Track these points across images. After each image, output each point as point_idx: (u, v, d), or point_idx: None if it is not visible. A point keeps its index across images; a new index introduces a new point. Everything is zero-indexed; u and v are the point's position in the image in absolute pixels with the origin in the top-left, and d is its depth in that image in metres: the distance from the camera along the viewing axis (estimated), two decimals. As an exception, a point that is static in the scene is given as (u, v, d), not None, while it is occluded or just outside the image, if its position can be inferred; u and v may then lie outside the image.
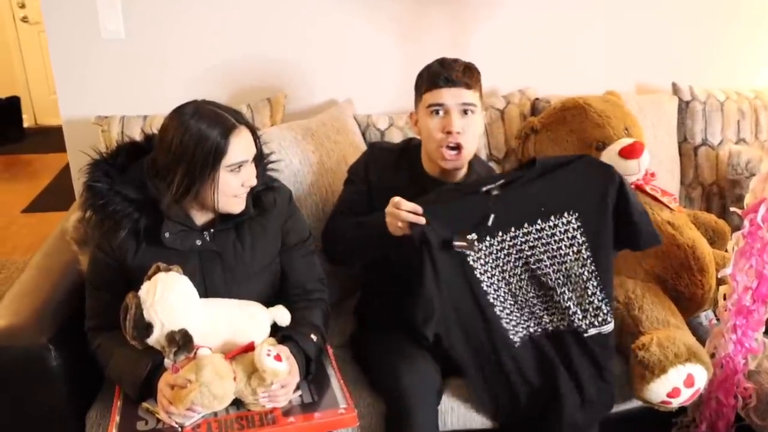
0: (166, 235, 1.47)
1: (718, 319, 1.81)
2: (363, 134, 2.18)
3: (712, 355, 1.76)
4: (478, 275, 1.63)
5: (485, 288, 1.64)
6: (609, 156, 1.97)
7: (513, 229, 1.64)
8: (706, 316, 1.98)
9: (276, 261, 1.63)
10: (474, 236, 1.60)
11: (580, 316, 1.67)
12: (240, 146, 1.44)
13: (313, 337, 1.53)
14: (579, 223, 1.65)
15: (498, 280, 1.66)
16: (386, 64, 2.34)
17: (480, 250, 1.62)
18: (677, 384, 1.63)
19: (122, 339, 1.45)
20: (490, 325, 1.64)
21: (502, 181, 1.63)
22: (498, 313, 1.65)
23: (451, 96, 1.66)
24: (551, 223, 1.66)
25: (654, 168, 2.11)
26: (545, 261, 1.66)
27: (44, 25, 2.11)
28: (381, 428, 1.62)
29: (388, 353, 1.67)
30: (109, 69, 2.17)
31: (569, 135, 2.08)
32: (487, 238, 1.62)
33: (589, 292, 1.67)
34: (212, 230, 1.54)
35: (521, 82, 2.41)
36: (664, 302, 1.84)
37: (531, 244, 1.66)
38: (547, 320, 1.69)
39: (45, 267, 1.80)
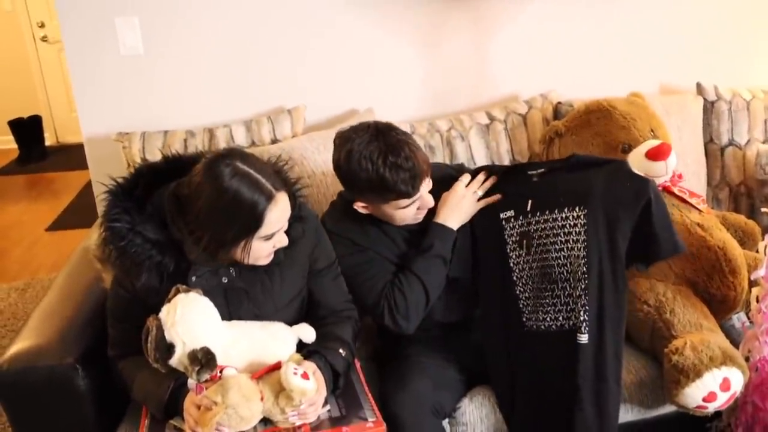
0: (193, 279, 1.45)
1: (751, 322, 1.78)
2: (384, 143, 2.17)
3: (747, 359, 1.72)
4: (509, 251, 1.70)
5: (512, 265, 1.70)
6: (636, 158, 1.95)
7: (537, 214, 1.69)
8: (738, 319, 1.94)
9: (304, 288, 1.61)
10: (512, 213, 1.72)
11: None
12: (276, 216, 1.39)
13: (342, 351, 1.51)
14: (585, 220, 1.64)
15: (523, 261, 1.70)
16: (406, 72, 2.33)
17: (514, 228, 1.72)
18: (713, 388, 1.60)
19: (144, 362, 1.43)
20: (507, 305, 1.69)
21: (542, 169, 1.73)
22: (518, 293, 1.69)
23: (422, 191, 1.63)
24: (563, 215, 1.66)
25: (680, 170, 2.09)
26: (552, 252, 1.67)
27: (63, 43, 2.12)
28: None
29: (389, 374, 1.69)
30: (128, 85, 2.18)
31: (594, 138, 2.05)
32: (520, 218, 1.70)
33: (576, 294, 1.64)
34: (238, 266, 1.49)
35: (543, 86, 2.39)
36: (696, 305, 1.81)
37: (545, 232, 1.68)
38: (553, 316, 1.67)
39: (69, 287, 1.81)
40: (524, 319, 1.69)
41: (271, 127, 2.13)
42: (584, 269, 1.63)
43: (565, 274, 1.65)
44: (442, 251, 1.68)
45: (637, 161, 1.95)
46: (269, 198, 1.36)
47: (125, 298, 1.48)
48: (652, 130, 2.03)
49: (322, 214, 1.77)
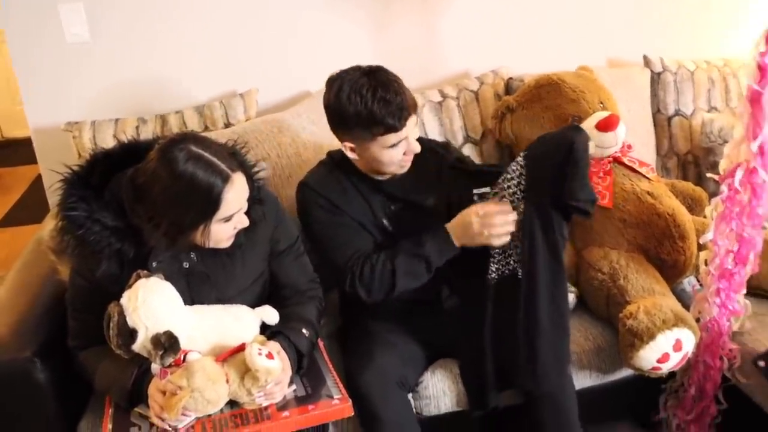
0: (153, 264, 1.43)
1: (701, 285, 1.84)
2: (338, 123, 2.17)
3: (697, 320, 1.78)
4: None
5: None
6: (586, 129, 1.95)
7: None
8: (688, 283, 2.00)
9: (266, 271, 1.60)
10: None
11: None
12: (233, 197, 1.38)
13: (305, 331, 1.52)
14: (523, 162, 1.64)
15: None
16: (358, 53, 2.29)
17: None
18: (666, 349, 1.66)
19: (106, 351, 1.42)
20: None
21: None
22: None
23: (409, 127, 1.63)
24: (511, 168, 1.66)
25: (629, 140, 2.13)
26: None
27: (5, 33, 2.06)
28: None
29: (353, 350, 1.70)
30: (75, 73, 2.13)
31: (545, 111, 2.10)
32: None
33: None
34: (199, 250, 1.48)
35: (494, 63, 2.42)
36: (648, 271, 1.86)
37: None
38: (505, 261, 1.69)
39: (22, 280, 1.77)
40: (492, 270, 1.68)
41: (224, 112, 2.11)
42: (521, 209, 1.63)
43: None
44: (431, 255, 1.65)
45: (587, 133, 1.99)
46: (225, 179, 1.35)
47: (85, 288, 1.46)
48: (601, 102, 2.08)
49: (304, 177, 1.79)
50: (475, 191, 1.69)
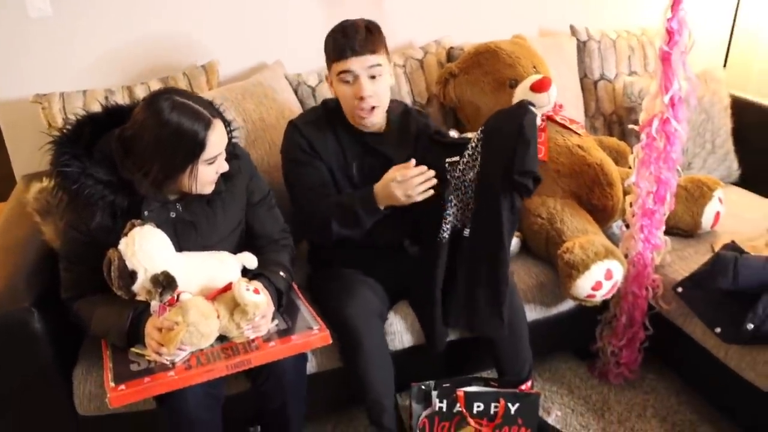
0: (146, 213, 1.55)
1: (627, 226, 2.07)
2: (295, 91, 2.32)
3: (625, 256, 2.02)
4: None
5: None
6: (522, 91, 2.20)
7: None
8: (617, 226, 2.23)
9: (243, 221, 1.75)
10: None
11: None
12: (216, 140, 1.51)
13: (282, 274, 1.67)
14: (480, 135, 1.78)
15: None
16: (311, 25, 2.45)
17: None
18: (599, 278, 1.88)
19: (99, 300, 1.56)
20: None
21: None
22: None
23: (358, 64, 1.79)
24: (471, 144, 1.80)
25: (560, 103, 2.35)
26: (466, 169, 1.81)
27: (-32, 9, 2.11)
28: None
29: (333, 289, 1.85)
30: (39, 48, 2.18)
31: (485, 76, 2.29)
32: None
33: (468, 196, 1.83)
34: (184, 202, 1.62)
35: (436, 33, 2.60)
36: (582, 214, 2.09)
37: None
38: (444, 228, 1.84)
39: (5, 243, 1.85)
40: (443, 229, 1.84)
41: (188, 82, 2.22)
42: (472, 178, 1.80)
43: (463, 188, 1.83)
44: (359, 213, 1.79)
45: (522, 93, 2.20)
46: (208, 124, 1.49)
47: (79, 241, 1.56)
48: (534, 67, 2.28)
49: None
50: (447, 160, 1.82)
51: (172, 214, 1.61)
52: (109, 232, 1.53)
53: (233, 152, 1.67)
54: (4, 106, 2.23)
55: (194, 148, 1.48)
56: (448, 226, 1.82)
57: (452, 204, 1.81)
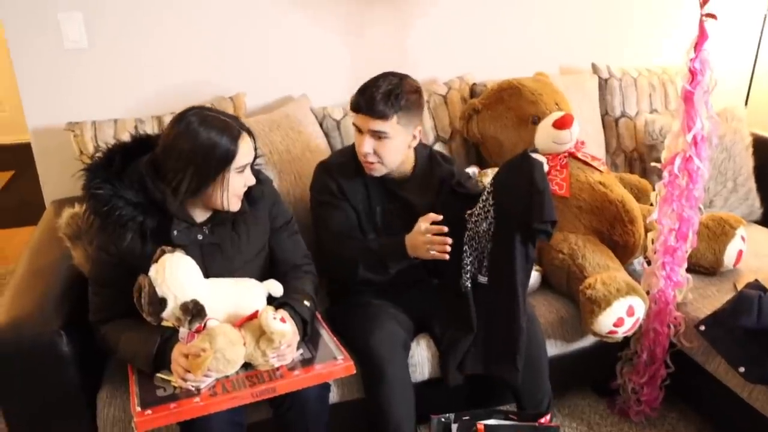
0: (175, 233, 1.59)
1: (648, 263, 2.07)
2: (320, 124, 2.36)
3: (647, 292, 2.02)
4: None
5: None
6: (544, 127, 2.23)
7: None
8: (638, 262, 2.24)
9: (267, 246, 1.79)
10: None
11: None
12: (246, 149, 1.58)
13: (306, 303, 1.69)
14: (490, 188, 1.84)
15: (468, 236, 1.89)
16: (335, 60, 2.52)
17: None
18: (621, 314, 1.89)
19: (126, 325, 1.59)
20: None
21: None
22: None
23: (363, 122, 1.84)
24: (483, 196, 1.86)
25: (581, 139, 2.38)
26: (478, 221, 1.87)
27: (7, 40, 2.18)
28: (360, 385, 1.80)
29: (357, 318, 1.86)
30: (73, 78, 2.25)
31: (507, 112, 2.32)
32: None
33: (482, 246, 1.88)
34: (210, 225, 1.67)
35: (459, 70, 2.65)
36: (603, 250, 2.09)
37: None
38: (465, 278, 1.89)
39: (36, 267, 1.88)
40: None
41: (216, 113, 2.26)
42: (489, 233, 1.86)
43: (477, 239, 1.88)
44: (389, 260, 1.85)
45: (545, 130, 2.23)
46: (239, 133, 1.57)
47: (109, 263, 1.60)
48: (556, 104, 2.31)
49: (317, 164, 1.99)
50: (468, 212, 1.88)
51: (199, 237, 1.65)
52: (139, 255, 1.57)
53: (257, 177, 1.72)
54: (38, 133, 2.29)
55: (226, 155, 1.54)
56: (468, 276, 1.88)
57: (468, 254, 1.87)
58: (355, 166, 1.94)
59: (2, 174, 4.72)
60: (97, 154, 1.65)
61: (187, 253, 1.59)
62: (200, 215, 1.66)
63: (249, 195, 1.70)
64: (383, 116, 1.81)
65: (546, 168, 1.86)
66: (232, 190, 1.59)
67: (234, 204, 1.63)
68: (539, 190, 1.75)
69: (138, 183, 1.57)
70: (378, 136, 1.83)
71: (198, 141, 1.52)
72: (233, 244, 1.69)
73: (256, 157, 1.69)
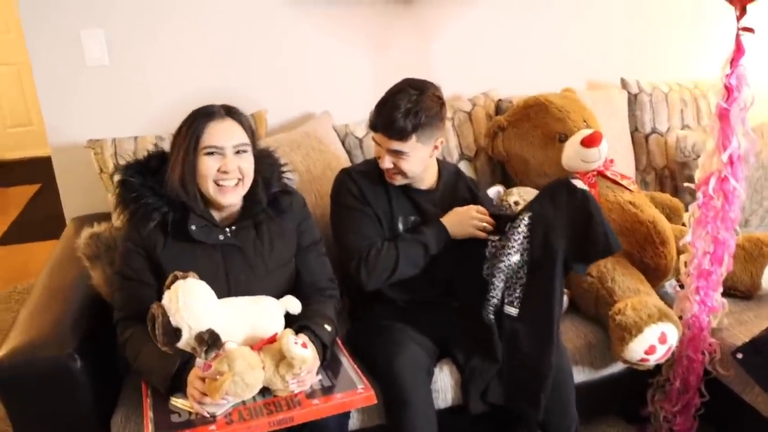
0: (193, 227, 1.59)
1: (681, 286, 1.99)
2: (342, 142, 2.32)
3: (680, 318, 1.94)
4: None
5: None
6: (572, 145, 2.16)
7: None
8: (670, 285, 2.16)
9: (292, 261, 1.75)
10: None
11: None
12: (218, 132, 1.59)
13: (327, 327, 1.64)
14: (528, 221, 1.81)
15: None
16: (358, 77, 2.49)
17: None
18: (653, 341, 1.81)
19: (149, 336, 1.53)
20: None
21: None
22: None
23: (383, 141, 1.82)
24: (516, 223, 1.83)
25: (610, 157, 2.31)
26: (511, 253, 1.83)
27: (29, 56, 2.18)
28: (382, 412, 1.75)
29: (379, 341, 1.81)
30: (94, 95, 2.24)
31: (534, 130, 2.26)
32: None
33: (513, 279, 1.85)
34: (233, 227, 1.66)
35: (484, 86, 2.60)
36: (633, 273, 2.02)
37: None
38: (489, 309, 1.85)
39: (53, 287, 1.87)
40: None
41: (238, 131, 2.24)
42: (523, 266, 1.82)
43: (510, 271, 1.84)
44: (429, 242, 1.85)
45: (573, 149, 2.17)
46: (215, 114, 1.61)
47: (133, 252, 1.62)
48: (584, 121, 2.25)
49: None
50: (492, 242, 1.87)
51: (221, 237, 1.64)
52: (161, 245, 1.60)
53: (285, 189, 1.74)
54: (59, 150, 2.29)
55: (193, 133, 1.58)
56: (492, 307, 1.83)
57: (495, 285, 1.83)
58: (378, 174, 1.92)
59: (30, 187, 4.78)
60: (136, 157, 1.76)
61: (209, 256, 1.60)
62: (220, 216, 1.67)
63: (276, 203, 1.70)
64: (402, 137, 1.78)
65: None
66: (202, 171, 1.59)
67: (215, 193, 1.61)
68: (601, 222, 1.76)
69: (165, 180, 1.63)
70: (397, 154, 1.81)
71: (181, 129, 1.61)
72: (256, 250, 1.67)
73: (279, 167, 1.75)
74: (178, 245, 1.60)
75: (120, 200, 1.62)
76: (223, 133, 1.60)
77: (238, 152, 1.62)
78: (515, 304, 1.82)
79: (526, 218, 1.82)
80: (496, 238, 1.86)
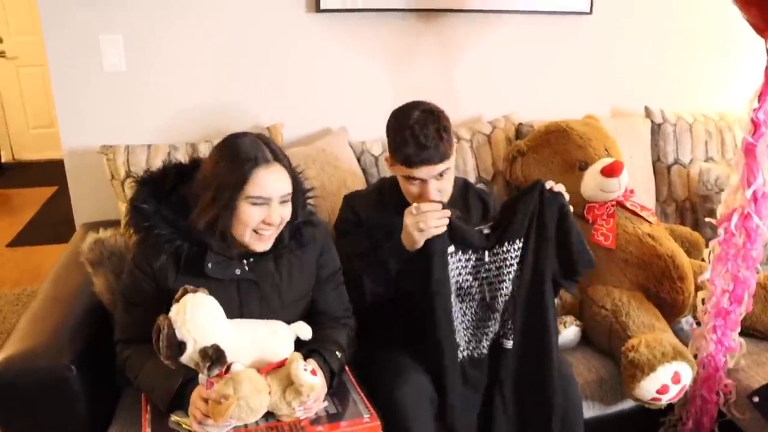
0: (209, 265, 1.51)
1: (698, 323, 1.94)
2: (358, 159, 2.29)
3: (695, 356, 1.88)
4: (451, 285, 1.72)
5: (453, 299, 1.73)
6: (592, 174, 2.11)
7: (480, 252, 1.72)
8: (686, 322, 2.10)
9: (309, 294, 1.69)
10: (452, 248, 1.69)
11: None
12: (266, 181, 1.47)
13: (338, 354, 1.59)
14: (519, 251, 1.71)
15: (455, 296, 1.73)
16: (377, 93, 2.45)
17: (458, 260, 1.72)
18: (666, 381, 1.75)
19: (152, 351, 1.49)
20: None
21: (489, 225, 1.74)
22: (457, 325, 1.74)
23: (427, 172, 1.73)
24: (504, 248, 1.72)
25: (631, 186, 2.26)
26: (496, 284, 1.73)
27: (48, 60, 2.17)
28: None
29: (382, 370, 1.75)
30: (110, 101, 2.23)
31: (554, 156, 2.21)
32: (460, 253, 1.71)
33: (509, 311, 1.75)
34: (251, 259, 1.58)
35: (505, 109, 2.56)
36: (649, 308, 1.97)
37: (488, 267, 1.73)
38: (485, 344, 1.76)
39: (56, 294, 1.84)
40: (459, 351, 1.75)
41: (253, 143, 2.21)
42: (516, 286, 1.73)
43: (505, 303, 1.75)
44: (387, 257, 1.72)
45: (593, 178, 2.12)
46: (263, 160, 1.47)
47: (142, 280, 1.54)
48: (606, 149, 2.20)
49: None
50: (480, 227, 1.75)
51: (237, 271, 1.56)
52: (171, 279, 1.52)
53: (309, 220, 1.65)
54: (71, 155, 2.27)
55: (237, 179, 1.45)
56: (488, 342, 1.76)
57: (494, 318, 1.75)
58: (380, 198, 1.89)
59: (47, 189, 4.83)
60: (152, 169, 1.62)
61: (223, 290, 1.52)
62: (231, 238, 1.56)
63: (299, 235, 1.61)
64: (445, 157, 1.74)
65: (567, 197, 1.74)
66: (243, 219, 1.49)
67: (252, 241, 1.52)
68: (578, 232, 1.70)
69: (182, 205, 1.53)
70: (442, 174, 1.76)
71: (221, 162, 1.47)
72: (273, 284, 1.60)
73: (303, 194, 1.62)
74: (191, 279, 1.49)
75: (131, 226, 1.54)
76: (272, 184, 1.48)
77: (282, 202, 1.52)
78: (509, 336, 1.74)
79: (521, 241, 1.71)
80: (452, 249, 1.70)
